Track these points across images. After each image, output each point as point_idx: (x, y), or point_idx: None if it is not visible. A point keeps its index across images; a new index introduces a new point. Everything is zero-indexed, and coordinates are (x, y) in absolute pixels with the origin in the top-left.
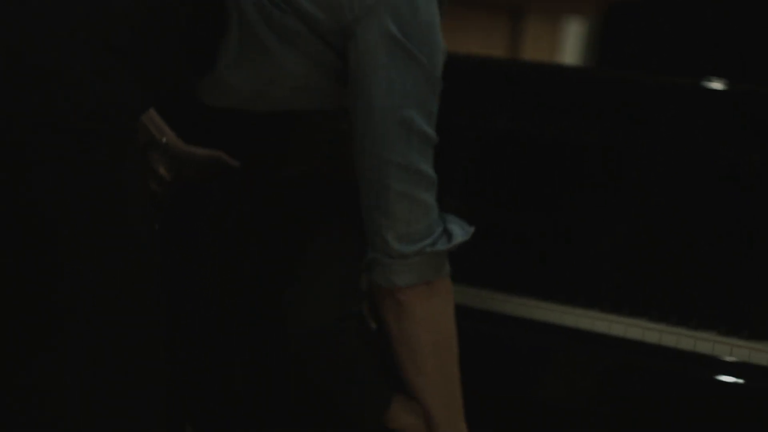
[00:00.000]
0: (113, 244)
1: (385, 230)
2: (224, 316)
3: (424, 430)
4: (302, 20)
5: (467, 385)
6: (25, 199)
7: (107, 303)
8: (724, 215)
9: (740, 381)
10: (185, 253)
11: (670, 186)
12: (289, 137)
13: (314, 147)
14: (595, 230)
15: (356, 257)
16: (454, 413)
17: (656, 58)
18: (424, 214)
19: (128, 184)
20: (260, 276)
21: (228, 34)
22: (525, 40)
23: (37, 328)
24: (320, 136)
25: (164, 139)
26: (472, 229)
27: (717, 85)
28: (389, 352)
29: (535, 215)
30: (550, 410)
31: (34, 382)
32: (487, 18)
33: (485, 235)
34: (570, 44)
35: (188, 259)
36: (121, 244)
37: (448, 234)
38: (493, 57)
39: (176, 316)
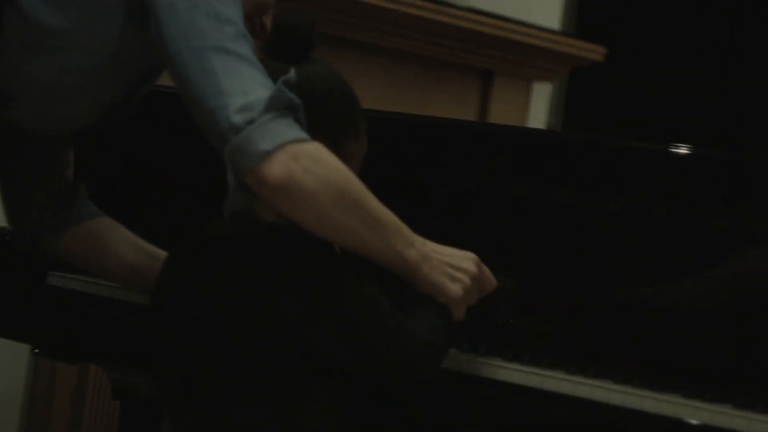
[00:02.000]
0: None
1: (225, 112)
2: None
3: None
4: None
5: None
6: None
7: None
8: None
9: None
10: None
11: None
12: None
13: None
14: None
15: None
16: (402, 241)
17: (618, 121)
18: (259, 87)
19: None
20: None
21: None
22: (494, 100)
23: None
24: None
25: None
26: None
27: (682, 150)
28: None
29: (506, 275)
30: None
31: None
32: (459, 79)
33: None
34: (537, 104)
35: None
36: None
37: (293, 104)
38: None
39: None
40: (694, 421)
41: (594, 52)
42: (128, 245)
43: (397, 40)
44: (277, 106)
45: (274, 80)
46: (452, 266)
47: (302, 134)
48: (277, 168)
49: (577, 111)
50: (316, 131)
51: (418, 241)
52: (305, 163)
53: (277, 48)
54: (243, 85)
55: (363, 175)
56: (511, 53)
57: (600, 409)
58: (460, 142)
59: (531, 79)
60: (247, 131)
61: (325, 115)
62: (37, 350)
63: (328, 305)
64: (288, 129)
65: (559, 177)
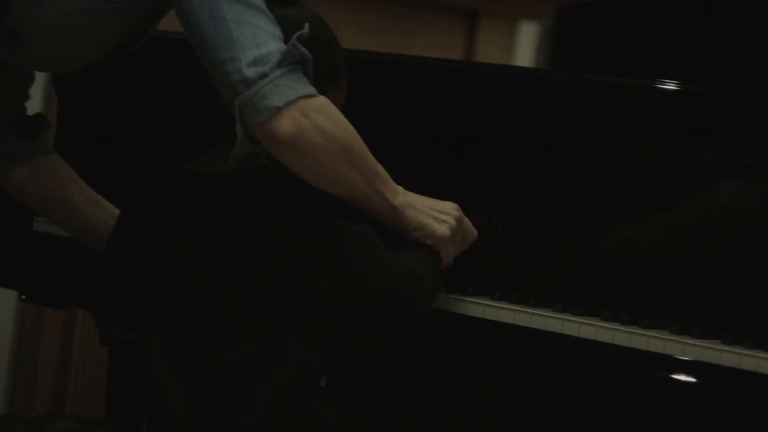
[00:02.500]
0: None
1: (238, 64)
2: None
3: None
4: None
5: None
6: None
7: None
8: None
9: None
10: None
11: (623, 184)
12: None
13: None
14: (555, 233)
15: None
16: (390, 190)
17: (607, 61)
18: (271, 39)
19: None
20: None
21: None
22: (479, 42)
23: None
24: None
25: None
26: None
27: (670, 86)
28: None
29: (491, 216)
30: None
31: None
32: (443, 20)
33: None
34: (524, 46)
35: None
36: None
37: (304, 59)
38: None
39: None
40: (683, 357)
41: None
42: (82, 194)
43: None
44: (289, 61)
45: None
46: (436, 210)
47: (311, 89)
48: (287, 124)
49: (564, 53)
50: None
51: (400, 189)
52: (314, 118)
53: None
54: (255, 37)
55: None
56: None
57: (589, 347)
58: (444, 82)
59: (517, 19)
60: (260, 85)
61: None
62: (23, 296)
63: (321, 243)
64: (299, 85)
65: (543, 116)
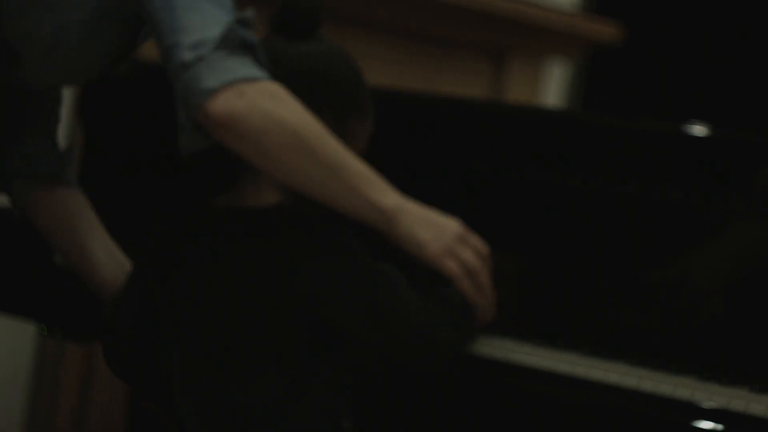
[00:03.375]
0: None
1: (179, 49)
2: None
3: None
4: None
5: None
6: None
7: None
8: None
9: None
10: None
11: (652, 231)
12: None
13: None
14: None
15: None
16: (375, 189)
17: (639, 103)
18: (216, 24)
19: None
20: None
21: None
22: (508, 81)
23: None
24: None
25: None
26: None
27: (700, 130)
28: None
29: (520, 257)
30: None
31: None
32: (470, 59)
33: None
34: (553, 87)
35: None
36: None
37: (247, 42)
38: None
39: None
40: (709, 405)
41: (611, 33)
42: (97, 239)
43: (407, 18)
44: (229, 44)
45: (274, 58)
46: (434, 223)
47: (257, 73)
48: (221, 104)
49: (594, 95)
50: (319, 108)
51: (395, 193)
52: (255, 100)
53: (282, 23)
54: (200, 22)
55: (370, 153)
56: (524, 34)
57: (614, 393)
58: (469, 121)
59: (544, 60)
60: (197, 68)
61: (327, 92)
62: (44, 331)
63: (347, 284)
64: (240, 66)
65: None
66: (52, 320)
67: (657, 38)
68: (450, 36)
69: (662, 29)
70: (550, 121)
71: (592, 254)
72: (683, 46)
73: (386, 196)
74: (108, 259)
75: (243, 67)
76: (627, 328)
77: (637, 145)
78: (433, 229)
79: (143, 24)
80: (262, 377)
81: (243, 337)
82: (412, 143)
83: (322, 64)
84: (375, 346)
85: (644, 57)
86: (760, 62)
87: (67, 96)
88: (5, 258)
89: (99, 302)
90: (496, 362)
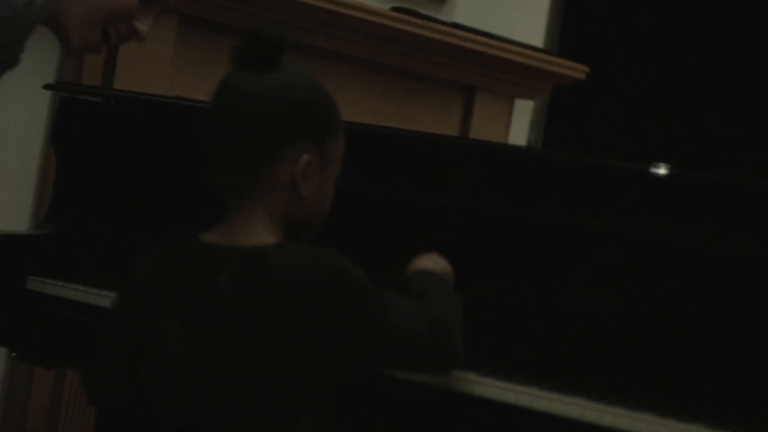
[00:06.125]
0: None
1: None
2: None
3: None
4: None
5: None
6: None
7: None
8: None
9: None
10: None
11: (615, 267)
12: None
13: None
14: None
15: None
16: None
17: (597, 139)
18: None
19: None
20: None
21: None
22: (476, 116)
23: None
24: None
25: None
26: None
27: (661, 170)
28: None
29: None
30: None
31: None
32: (441, 93)
33: None
34: (520, 122)
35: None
36: None
37: None
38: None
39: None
40: None
41: (576, 70)
42: None
43: (379, 53)
44: None
45: (246, 90)
46: None
47: None
48: None
49: (557, 128)
50: (300, 135)
51: None
52: None
53: (245, 57)
54: None
55: (340, 188)
56: (495, 70)
57: (574, 427)
58: (440, 157)
59: (513, 95)
60: None
61: (308, 118)
62: (14, 354)
63: (353, 312)
64: None
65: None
66: (22, 344)
67: (618, 77)
68: (423, 72)
69: (618, 68)
70: (513, 157)
71: (553, 289)
72: (642, 84)
73: None
74: None
75: None
76: (587, 363)
77: (599, 181)
78: None
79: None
80: (259, 406)
81: (242, 369)
82: (380, 177)
83: (297, 92)
84: (383, 362)
85: (605, 95)
86: (716, 100)
87: (41, 122)
88: None
89: (71, 328)
90: (465, 396)
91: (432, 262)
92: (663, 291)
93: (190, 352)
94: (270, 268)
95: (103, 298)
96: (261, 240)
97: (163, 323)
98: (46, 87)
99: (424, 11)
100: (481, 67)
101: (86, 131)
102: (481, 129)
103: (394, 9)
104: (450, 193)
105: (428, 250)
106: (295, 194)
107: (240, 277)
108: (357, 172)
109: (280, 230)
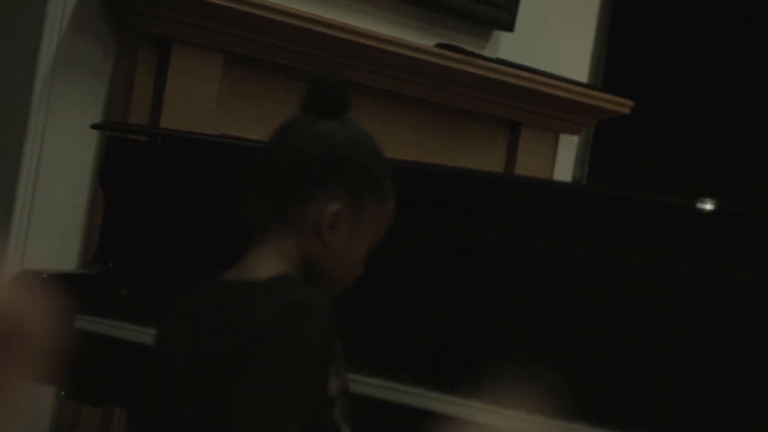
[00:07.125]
0: None
1: None
2: None
3: None
4: None
5: None
6: None
7: None
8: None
9: None
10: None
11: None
12: None
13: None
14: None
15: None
16: None
17: (643, 173)
18: None
19: None
20: None
21: None
22: (521, 152)
23: None
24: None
25: None
26: None
27: (707, 204)
28: None
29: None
30: None
31: None
32: (486, 129)
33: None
34: (565, 157)
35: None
36: None
37: None
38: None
39: None
40: None
41: (621, 105)
42: None
43: (424, 89)
44: None
45: (296, 133)
46: None
47: None
48: None
49: (602, 163)
50: (335, 182)
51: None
52: None
53: (312, 99)
54: None
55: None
56: (539, 105)
57: None
58: (486, 193)
59: (558, 130)
60: None
61: (347, 169)
62: (62, 393)
63: (268, 366)
64: None
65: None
66: (70, 383)
67: (663, 112)
68: (468, 108)
69: (667, 103)
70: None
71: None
72: (684, 119)
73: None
74: None
75: None
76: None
77: (645, 216)
78: None
79: None
80: None
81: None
82: (425, 214)
83: (343, 141)
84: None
85: (650, 130)
86: (761, 134)
87: (89, 162)
88: None
89: (118, 366)
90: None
91: None
92: (714, 325)
93: (183, 394)
94: (245, 306)
95: (149, 336)
96: (263, 273)
97: (172, 362)
98: (94, 126)
99: (468, 48)
100: (526, 103)
101: (134, 170)
102: (526, 164)
103: (439, 46)
104: (496, 230)
105: (473, 286)
106: (318, 240)
107: (239, 311)
108: (403, 208)
109: (288, 268)
